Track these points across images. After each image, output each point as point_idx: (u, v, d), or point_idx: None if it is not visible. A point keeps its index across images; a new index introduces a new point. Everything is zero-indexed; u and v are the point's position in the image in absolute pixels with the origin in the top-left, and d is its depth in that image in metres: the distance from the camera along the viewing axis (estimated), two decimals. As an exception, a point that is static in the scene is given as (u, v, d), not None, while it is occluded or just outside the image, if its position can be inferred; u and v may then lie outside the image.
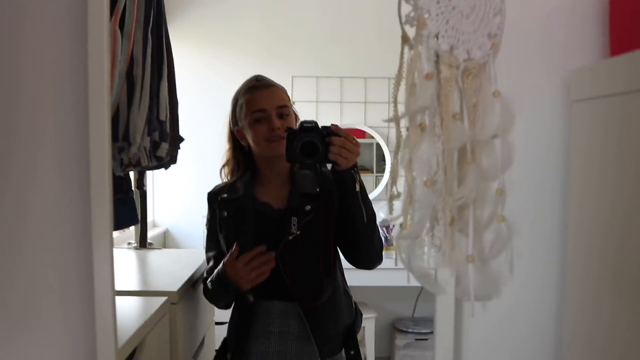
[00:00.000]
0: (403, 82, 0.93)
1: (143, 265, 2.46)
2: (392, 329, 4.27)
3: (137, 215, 2.27)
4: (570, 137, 1.34)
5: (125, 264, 2.42)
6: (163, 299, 1.83)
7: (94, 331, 1.26)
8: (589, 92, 1.25)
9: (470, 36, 0.91)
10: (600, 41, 1.33)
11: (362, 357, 1.92)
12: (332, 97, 4.17)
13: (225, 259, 1.81)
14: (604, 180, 1.25)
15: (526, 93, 1.31)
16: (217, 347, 2.00)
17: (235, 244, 1.80)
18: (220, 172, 2.01)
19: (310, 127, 1.70)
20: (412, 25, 0.92)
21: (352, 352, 1.88)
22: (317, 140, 1.68)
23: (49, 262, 1.34)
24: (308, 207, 1.79)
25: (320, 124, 1.72)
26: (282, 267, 1.77)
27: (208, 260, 1.96)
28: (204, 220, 2.00)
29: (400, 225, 0.95)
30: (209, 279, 1.89)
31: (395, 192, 0.96)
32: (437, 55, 0.90)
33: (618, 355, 1.19)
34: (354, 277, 2.23)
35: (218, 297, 1.92)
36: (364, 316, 3.91)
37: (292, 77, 3.98)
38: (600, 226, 1.27)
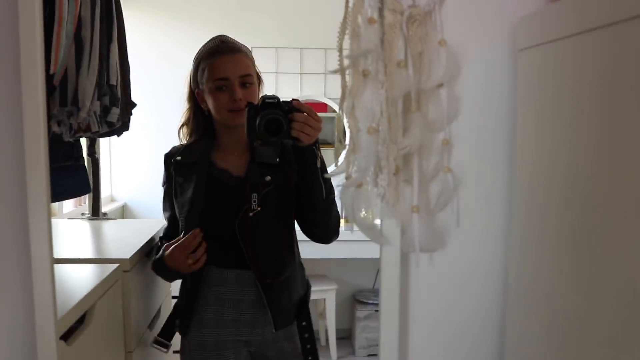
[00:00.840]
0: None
1: (96, 235, 2.41)
2: (353, 301, 4.30)
3: (89, 184, 2.22)
4: (518, 86, 1.33)
5: (78, 234, 2.37)
6: (115, 266, 1.80)
7: (32, 300, 1.22)
8: (535, 39, 1.24)
9: (415, -19, 0.90)
10: None
11: (313, 328, 1.92)
12: (292, 68, 4.14)
13: (166, 249, 1.79)
14: (549, 127, 1.25)
15: (473, 42, 1.29)
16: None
17: (184, 232, 1.78)
18: (179, 132, 1.96)
19: (272, 103, 1.65)
20: (356, -28, 0.90)
21: (304, 323, 1.89)
22: (282, 117, 1.63)
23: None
24: (268, 178, 1.76)
25: (280, 96, 1.68)
26: (241, 240, 1.75)
27: (166, 220, 1.94)
28: (161, 193, 1.96)
29: (345, 177, 0.93)
30: (152, 260, 1.89)
31: (341, 144, 0.95)
32: (382, 2, 0.88)
33: (560, 300, 1.21)
34: (314, 250, 2.22)
35: (162, 276, 1.93)
36: (325, 288, 3.98)
37: (252, 48, 3.87)
38: (545, 177, 1.28)
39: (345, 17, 0.90)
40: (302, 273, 1.95)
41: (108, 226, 2.59)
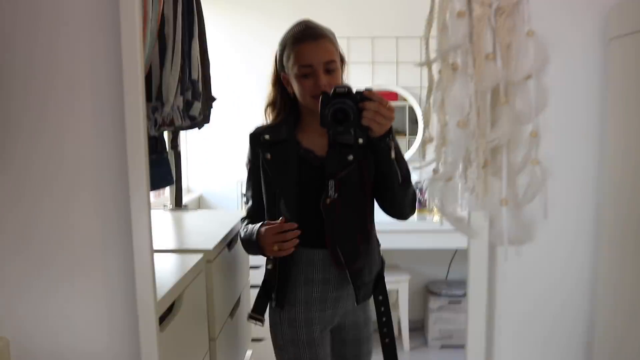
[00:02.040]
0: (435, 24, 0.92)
1: (179, 225, 2.50)
2: (426, 292, 4.28)
3: (171, 176, 2.30)
4: (608, 77, 1.30)
5: (162, 225, 2.46)
6: (199, 256, 1.86)
7: (134, 283, 1.30)
8: (627, 27, 1.20)
9: (503, -27, 0.89)
10: None
11: (388, 301, 2.01)
12: (363, 57, 4.13)
13: (264, 224, 1.85)
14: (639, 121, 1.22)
15: (561, 32, 1.27)
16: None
17: (281, 218, 1.83)
18: (265, 111, 1.99)
19: (343, 92, 1.68)
20: (443, -35, 0.90)
21: (380, 297, 1.99)
22: (348, 107, 1.66)
23: (90, 218, 1.38)
24: (350, 157, 1.80)
25: (353, 87, 1.70)
26: (325, 221, 1.81)
27: (247, 199, 2.00)
28: (238, 185, 2.03)
29: (433, 170, 0.94)
30: (243, 229, 1.95)
31: (428, 137, 0.95)
32: (470, -6, 0.88)
33: None
34: (389, 240, 2.25)
35: (246, 249, 1.98)
36: (398, 279, 3.97)
37: (323, 39, 3.95)
38: (634, 170, 1.24)
39: (431, 10, 0.90)
40: (378, 250, 2.01)
41: (189, 217, 2.68)
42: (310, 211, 1.82)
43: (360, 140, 1.80)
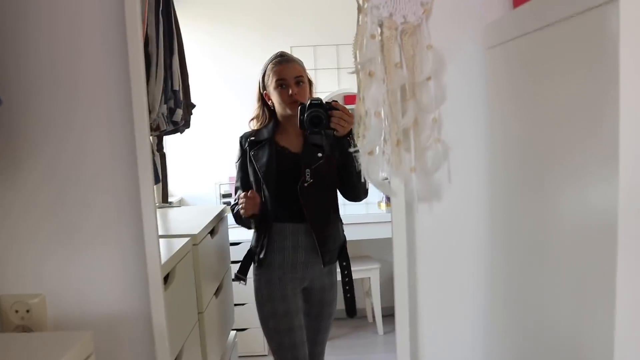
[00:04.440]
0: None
1: (167, 218, 2.79)
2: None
3: (159, 175, 2.59)
4: (488, 76, 1.67)
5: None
6: (186, 239, 2.17)
7: (144, 250, 1.68)
8: (498, 39, 1.56)
9: (405, 5, 1.23)
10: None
11: (357, 305, 2.54)
12: (329, 64, 4.41)
13: (241, 195, 2.41)
14: (510, 107, 1.57)
15: (454, 44, 1.61)
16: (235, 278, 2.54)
17: (254, 185, 2.41)
18: (250, 123, 2.54)
19: (317, 104, 2.24)
20: (362, -1, 1.23)
21: (344, 263, 2.53)
22: (321, 114, 2.21)
23: (108, 200, 1.74)
24: (320, 154, 2.35)
25: (319, 91, 2.29)
26: (301, 201, 2.34)
27: (236, 189, 2.55)
28: (217, 187, 2.55)
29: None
30: (236, 212, 2.47)
31: (358, 124, 1.28)
32: (380, 21, 1.21)
33: (532, 230, 1.52)
34: (360, 231, 2.78)
35: (235, 218, 2.52)
36: (369, 268, 4.22)
37: (291, 47, 4.19)
38: (511, 144, 1.60)
39: (356, 34, 1.24)
40: (341, 226, 2.57)
41: (175, 211, 2.98)
42: (286, 193, 2.36)
43: (326, 143, 2.34)
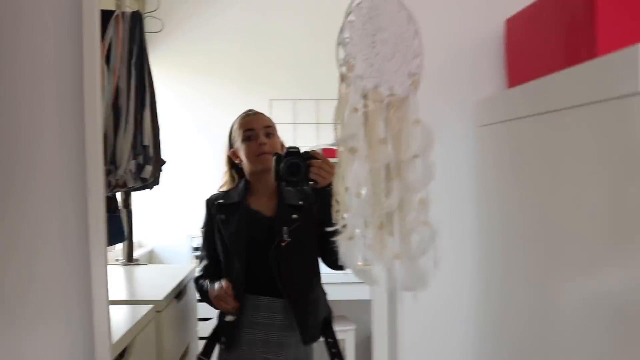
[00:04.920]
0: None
1: (130, 279, 2.64)
2: (371, 340, 4.38)
3: (124, 233, 2.46)
4: (479, 156, 1.57)
5: (114, 278, 2.59)
6: (149, 306, 2.02)
7: (92, 327, 1.46)
8: (490, 118, 1.48)
9: (392, 75, 1.13)
10: (500, 74, 1.60)
11: (337, 344, 2.25)
12: (309, 118, 4.34)
13: (216, 287, 2.12)
14: (505, 190, 1.47)
15: (443, 119, 1.53)
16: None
17: (225, 282, 2.11)
18: (220, 188, 2.31)
19: (294, 152, 2.02)
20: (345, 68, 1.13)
21: (330, 340, 2.23)
22: (300, 162, 1.99)
23: (53, 270, 1.54)
24: (295, 216, 2.11)
25: (299, 145, 2.04)
26: (274, 267, 2.08)
27: (201, 259, 2.30)
28: (188, 239, 2.29)
29: (337, 231, 1.15)
30: (201, 287, 2.22)
31: (337, 204, 1.17)
32: (365, 94, 1.11)
33: (522, 329, 1.42)
34: (336, 291, 2.48)
35: (200, 295, 2.25)
36: (344, 329, 4.09)
37: (270, 101, 4.14)
38: (503, 230, 1.50)
39: (337, 108, 1.13)
40: (325, 298, 2.28)
41: (140, 270, 2.83)
42: (258, 262, 2.10)
43: (301, 203, 2.13)
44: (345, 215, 1.11)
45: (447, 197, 1.54)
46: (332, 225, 2.00)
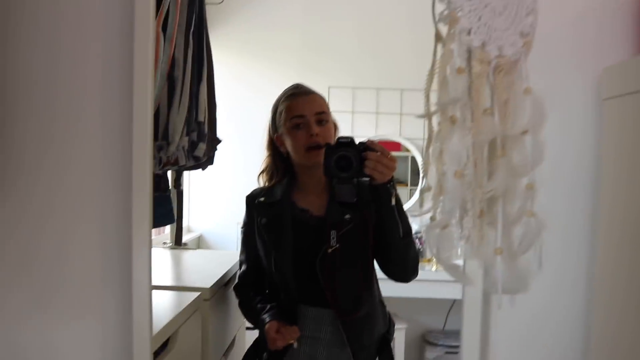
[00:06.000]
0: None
1: (177, 263, 2.51)
2: (423, 341, 4.24)
3: (173, 214, 2.33)
4: (602, 135, 1.34)
5: (161, 262, 2.47)
6: (196, 294, 1.88)
7: (131, 317, 1.31)
8: (619, 89, 1.26)
9: (502, 33, 0.94)
10: (631, 38, 1.35)
11: None
12: (368, 108, 4.19)
13: (273, 323, 1.81)
14: (636, 178, 1.25)
15: (558, 91, 1.32)
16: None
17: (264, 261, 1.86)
18: (258, 178, 2.02)
19: (346, 142, 1.72)
20: (445, 24, 0.94)
21: None
22: (352, 155, 1.70)
23: (91, 251, 1.39)
24: (347, 216, 1.79)
25: (356, 136, 1.75)
26: (321, 277, 1.79)
27: (241, 263, 1.99)
28: (238, 227, 2.04)
29: (430, 218, 0.97)
30: (248, 311, 1.97)
31: (427, 186, 0.98)
32: (469, 51, 0.92)
33: None
34: (386, 287, 2.23)
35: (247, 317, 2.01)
36: (395, 328, 3.93)
37: (329, 88, 3.98)
38: (631, 224, 1.27)
39: (433, 65, 0.94)
40: (384, 311, 1.96)
41: (188, 255, 2.70)
42: (305, 270, 1.81)
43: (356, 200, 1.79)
44: (440, 200, 0.92)
45: (558, 183, 1.33)
46: (392, 228, 1.75)
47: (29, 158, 1.39)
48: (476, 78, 0.92)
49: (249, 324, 2.33)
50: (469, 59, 0.92)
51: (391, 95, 4.16)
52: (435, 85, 0.96)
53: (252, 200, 1.96)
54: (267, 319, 1.82)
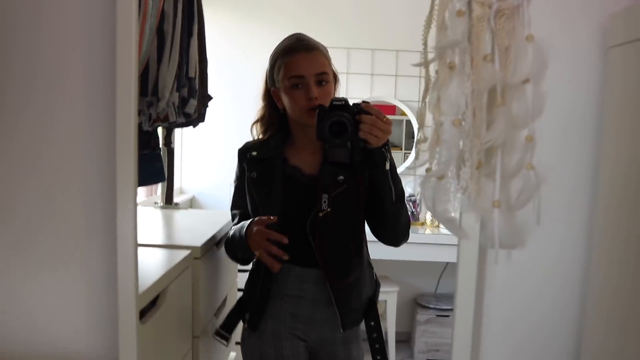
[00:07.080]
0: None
1: (168, 223, 2.49)
2: (414, 304, 4.27)
3: (163, 172, 2.29)
4: (606, 85, 1.30)
5: (151, 221, 2.44)
6: (187, 252, 1.85)
7: (116, 273, 1.28)
8: (625, 36, 1.21)
9: (505, -25, 0.89)
10: None
11: (382, 329, 1.91)
12: (363, 69, 4.13)
13: (256, 219, 1.77)
14: (636, 128, 1.22)
15: (561, 39, 1.29)
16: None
17: (273, 217, 1.75)
18: (252, 128, 1.95)
19: (340, 105, 1.66)
20: (445, -36, 0.90)
21: (372, 323, 1.88)
22: (346, 119, 1.64)
23: (75, 204, 1.37)
24: (341, 178, 1.74)
25: (350, 97, 1.69)
26: (312, 242, 1.75)
27: (233, 217, 1.95)
28: (231, 188, 1.97)
29: (426, 170, 0.93)
30: (233, 225, 1.89)
31: (422, 137, 0.95)
32: (471, -7, 0.88)
33: None
34: (378, 250, 2.20)
35: (232, 247, 1.89)
36: (386, 290, 3.95)
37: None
38: (633, 179, 1.24)
39: (431, 9, 0.90)
40: (371, 273, 1.93)
41: (179, 215, 2.67)
42: (294, 230, 1.75)
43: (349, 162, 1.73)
44: (437, 149, 0.88)
45: (558, 134, 1.30)
46: (385, 192, 1.71)
47: (11, 109, 1.36)
48: (476, 22, 0.87)
49: (240, 285, 2.31)
50: (469, 2, 0.88)
51: (386, 57, 4.11)
52: (432, 34, 0.92)
53: (243, 153, 1.89)
54: (251, 224, 1.78)
